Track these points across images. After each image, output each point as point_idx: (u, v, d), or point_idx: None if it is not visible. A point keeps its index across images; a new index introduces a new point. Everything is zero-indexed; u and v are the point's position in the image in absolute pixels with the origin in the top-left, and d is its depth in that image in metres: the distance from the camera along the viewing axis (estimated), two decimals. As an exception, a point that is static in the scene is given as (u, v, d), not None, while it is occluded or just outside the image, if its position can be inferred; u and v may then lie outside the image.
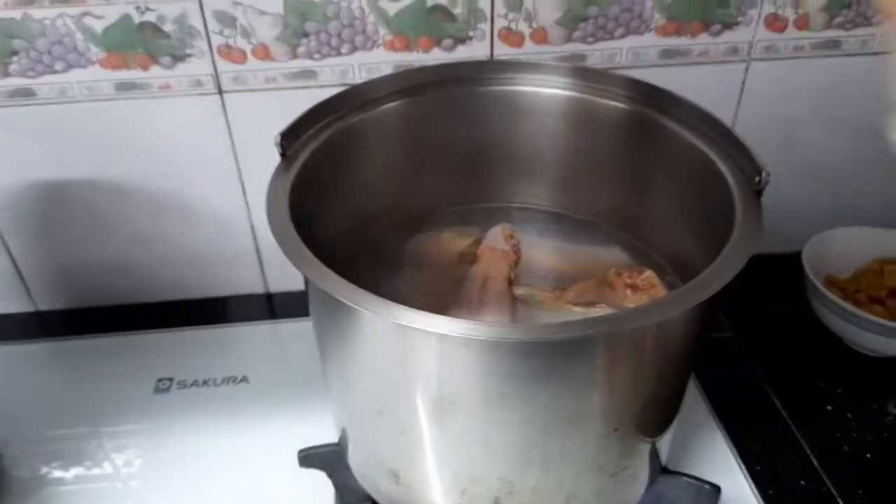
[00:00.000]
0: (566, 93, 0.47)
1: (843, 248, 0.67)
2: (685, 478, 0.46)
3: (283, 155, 0.41)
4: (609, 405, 0.35)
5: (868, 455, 0.57)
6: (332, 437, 0.49)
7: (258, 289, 0.74)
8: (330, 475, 0.50)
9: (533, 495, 0.38)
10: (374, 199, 0.47)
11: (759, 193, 0.37)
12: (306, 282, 0.39)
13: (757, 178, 0.37)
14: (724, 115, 0.45)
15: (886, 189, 0.71)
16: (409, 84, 0.47)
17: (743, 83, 0.64)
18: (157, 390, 0.63)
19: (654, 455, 0.43)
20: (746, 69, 0.63)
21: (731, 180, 0.39)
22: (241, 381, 0.64)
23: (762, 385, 0.63)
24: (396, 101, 0.46)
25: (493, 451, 0.36)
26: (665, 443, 0.45)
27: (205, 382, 0.64)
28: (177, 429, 0.59)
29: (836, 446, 0.57)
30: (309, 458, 0.49)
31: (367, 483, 0.45)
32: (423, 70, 0.47)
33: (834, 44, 0.63)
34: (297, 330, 0.70)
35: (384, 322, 0.33)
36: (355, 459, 0.45)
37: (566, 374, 0.33)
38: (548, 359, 0.32)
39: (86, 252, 0.69)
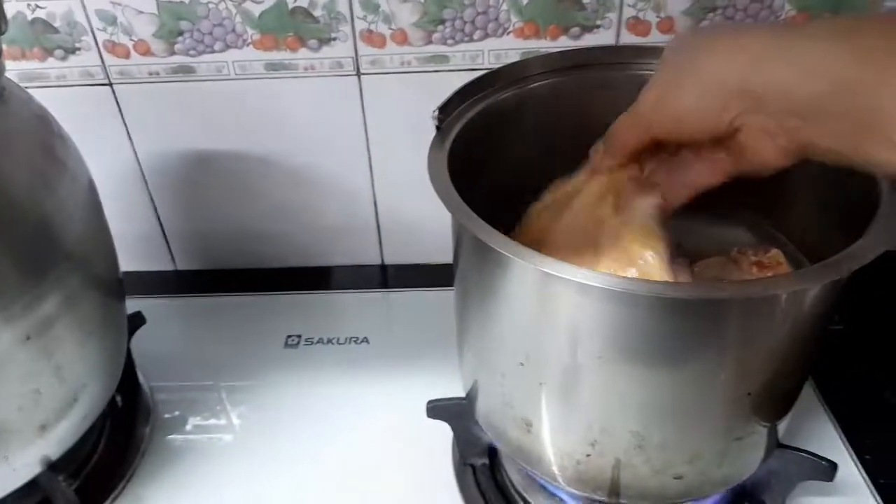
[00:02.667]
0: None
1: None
2: (802, 453, 0.47)
3: (438, 128, 0.45)
4: (746, 370, 0.37)
5: (985, 453, 0.56)
6: (447, 394, 0.53)
7: (375, 260, 0.79)
8: (453, 427, 0.54)
9: (660, 451, 0.41)
10: (515, 172, 0.50)
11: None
12: (458, 239, 0.43)
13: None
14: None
15: None
16: (555, 66, 0.50)
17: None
18: (286, 345, 0.69)
19: (774, 428, 0.45)
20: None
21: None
22: (362, 341, 0.69)
23: (873, 377, 0.63)
24: (541, 81, 0.49)
25: (628, 405, 0.39)
26: (784, 419, 0.46)
27: (329, 341, 0.69)
28: (306, 380, 0.65)
29: (952, 442, 0.57)
30: (436, 409, 0.53)
31: (494, 432, 0.48)
32: (569, 53, 0.50)
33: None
34: (410, 299, 0.75)
35: (536, 272, 0.36)
36: (485, 410, 0.48)
37: (710, 335, 0.36)
38: (694, 318, 0.35)
39: (225, 218, 0.76)
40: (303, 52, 0.65)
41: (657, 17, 0.61)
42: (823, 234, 0.45)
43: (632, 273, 0.39)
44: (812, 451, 0.49)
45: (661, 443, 0.40)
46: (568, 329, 0.38)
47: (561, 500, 0.51)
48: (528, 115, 0.50)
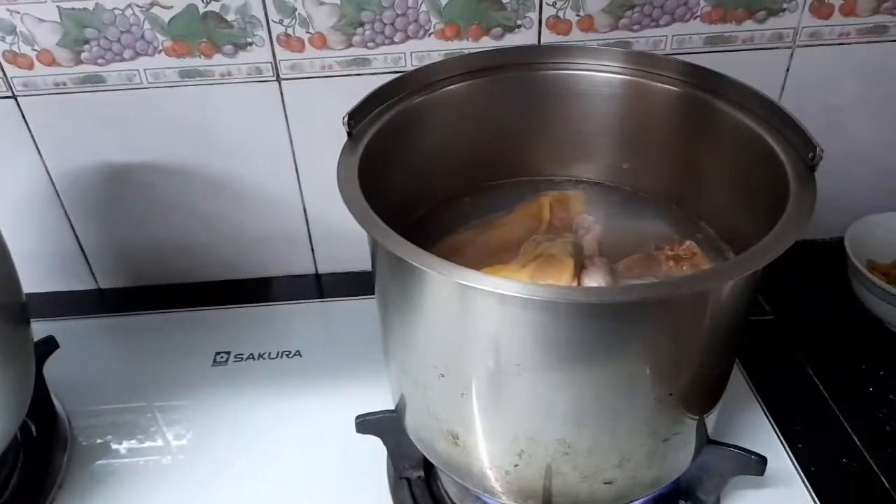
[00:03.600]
0: (619, 76, 0.48)
1: (884, 234, 0.68)
2: (732, 448, 0.47)
3: (349, 134, 0.43)
4: (666, 369, 0.37)
5: (911, 435, 0.58)
6: (383, 406, 0.52)
7: (308, 269, 0.77)
8: (385, 441, 0.52)
9: (588, 456, 0.40)
10: (431, 175, 0.49)
11: (812, 169, 0.39)
12: (373, 250, 0.42)
13: (811, 154, 0.38)
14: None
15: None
16: (468, 68, 0.49)
17: (787, 69, 0.65)
18: (215, 363, 0.66)
19: (702, 425, 0.45)
20: (791, 56, 0.64)
21: (783, 158, 0.40)
22: (294, 355, 0.67)
23: (803, 367, 0.64)
24: (456, 83, 0.48)
25: (552, 413, 0.38)
26: (712, 415, 0.46)
27: (260, 356, 0.67)
28: (236, 398, 0.63)
29: (879, 426, 0.58)
30: (365, 424, 0.51)
31: (423, 446, 0.47)
32: (482, 54, 0.49)
33: (881, 29, 0.63)
34: (345, 308, 0.73)
35: (450, 283, 0.35)
36: (413, 423, 0.47)
37: (627, 338, 0.35)
38: (611, 322, 0.34)
39: (146, 232, 0.73)
40: (218, 58, 0.63)
41: (577, 15, 0.61)
42: (740, 219, 0.45)
43: (546, 279, 0.39)
44: (744, 444, 0.49)
45: (587, 449, 0.40)
46: (483, 338, 0.37)
47: (496, 509, 0.50)
48: (443, 116, 0.49)
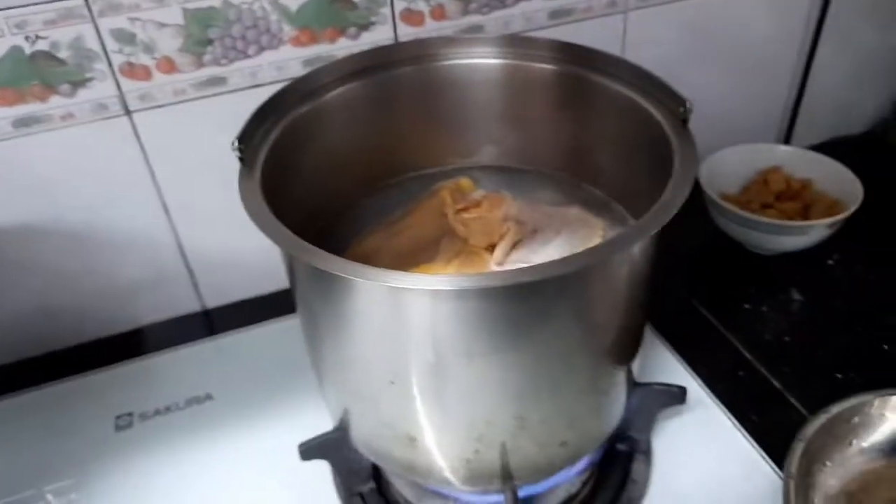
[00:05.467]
0: (497, 61, 0.50)
1: (730, 167, 0.76)
2: (655, 385, 0.51)
3: (241, 159, 0.41)
4: (599, 330, 0.39)
5: (786, 338, 0.65)
6: (314, 428, 0.50)
7: (194, 307, 0.73)
8: (332, 462, 0.51)
9: (541, 426, 0.42)
10: (328, 183, 0.48)
11: (684, 122, 0.42)
12: (292, 271, 0.40)
13: (681, 109, 0.42)
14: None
15: (756, 111, 0.82)
16: (347, 71, 0.48)
17: (624, 32, 0.70)
18: (118, 428, 0.61)
19: (630, 371, 0.48)
20: (625, 19, 0.69)
21: (658, 117, 0.44)
22: (205, 399, 0.63)
23: (685, 295, 0.70)
24: (337, 88, 0.48)
25: (505, 394, 0.39)
26: (636, 361, 0.49)
27: (167, 409, 0.62)
28: (151, 460, 0.58)
29: (759, 336, 0.65)
30: (310, 449, 0.49)
31: (377, 456, 0.47)
32: (358, 56, 0.49)
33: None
34: (244, 339, 0.70)
35: (385, 289, 0.35)
36: (362, 436, 0.46)
37: (559, 311, 0.37)
38: (541, 298, 0.36)
39: (5, 302, 0.65)
40: (55, 101, 0.57)
41: (428, 5, 0.62)
42: (629, 178, 0.49)
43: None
44: (656, 378, 0.53)
45: (541, 418, 0.41)
46: (430, 337, 0.37)
47: (456, 499, 0.50)
48: (331, 123, 0.49)
